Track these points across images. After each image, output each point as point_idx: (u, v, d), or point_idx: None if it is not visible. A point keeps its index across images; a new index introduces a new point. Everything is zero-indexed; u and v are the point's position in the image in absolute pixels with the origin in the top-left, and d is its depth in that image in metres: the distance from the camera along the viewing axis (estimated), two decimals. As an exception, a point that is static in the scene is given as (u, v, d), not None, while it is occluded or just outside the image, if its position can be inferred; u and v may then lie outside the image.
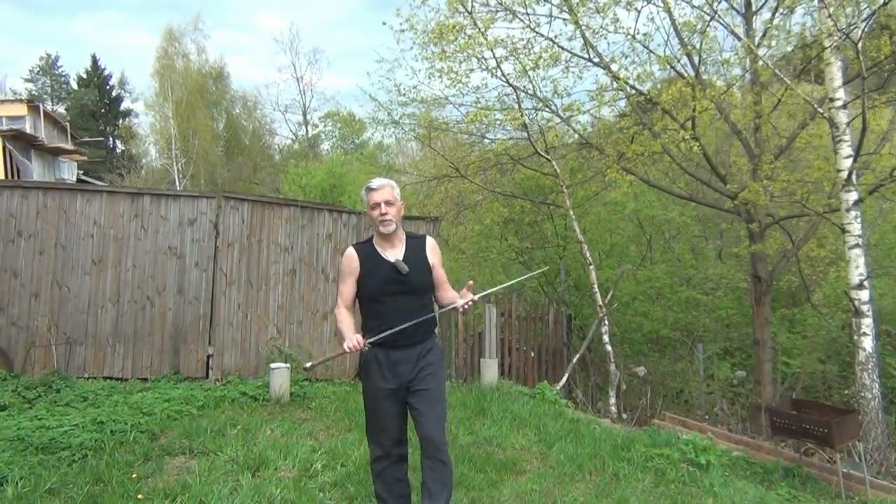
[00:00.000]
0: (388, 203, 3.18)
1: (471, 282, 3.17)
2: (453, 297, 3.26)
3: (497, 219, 10.50)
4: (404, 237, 3.31)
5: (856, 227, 6.20)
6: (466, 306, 3.15)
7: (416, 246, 3.30)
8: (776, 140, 8.38)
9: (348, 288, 3.27)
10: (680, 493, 4.17)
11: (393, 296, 3.18)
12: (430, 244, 3.35)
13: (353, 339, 3.03)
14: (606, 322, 8.74)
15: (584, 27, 7.83)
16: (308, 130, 37.37)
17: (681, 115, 7.80)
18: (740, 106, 8.59)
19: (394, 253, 3.23)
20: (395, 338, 3.10)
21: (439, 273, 3.33)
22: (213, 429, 4.97)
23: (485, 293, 3.73)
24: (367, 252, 3.25)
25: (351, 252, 3.27)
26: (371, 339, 3.08)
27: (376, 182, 3.24)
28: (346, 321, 3.21)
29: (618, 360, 8.89)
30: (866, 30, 6.45)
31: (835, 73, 6.25)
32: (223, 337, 7.24)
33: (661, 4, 7.71)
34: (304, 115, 36.82)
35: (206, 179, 30.63)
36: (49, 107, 31.17)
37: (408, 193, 13.05)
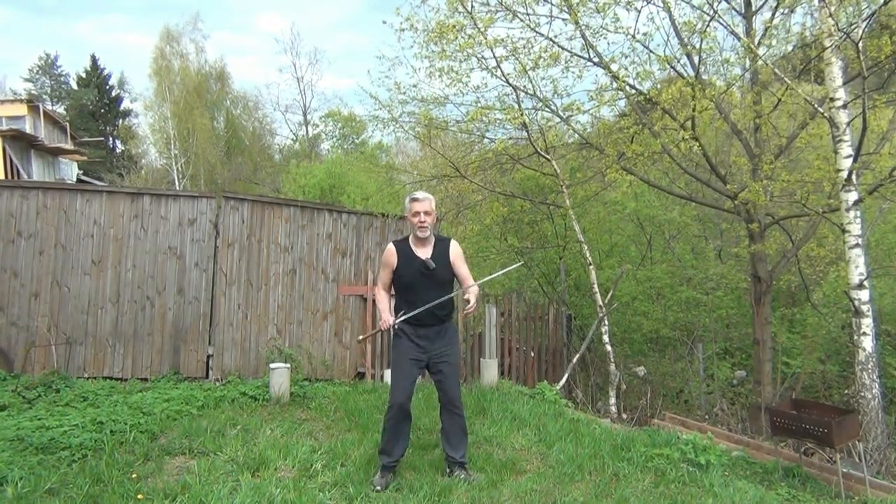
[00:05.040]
0: (426, 213, 4.00)
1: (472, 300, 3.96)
2: (471, 290, 4.02)
3: (497, 218, 10.49)
4: (433, 240, 4.12)
5: (856, 227, 6.19)
6: (470, 309, 3.92)
7: (442, 247, 4.11)
8: (776, 140, 8.37)
9: (386, 275, 4.15)
10: (680, 493, 4.17)
11: (420, 285, 4.00)
12: (454, 246, 4.15)
13: (386, 319, 3.96)
14: (606, 322, 8.74)
15: (583, 27, 7.82)
16: (308, 130, 37.35)
17: (681, 115, 7.79)
18: (740, 106, 8.57)
19: (424, 252, 4.04)
20: (419, 318, 3.97)
21: (460, 270, 4.13)
22: (213, 429, 4.97)
23: (478, 282, 4.37)
24: (403, 249, 4.06)
25: (391, 248, 4.10)
26: (399, 319, 3.99)
27: (420, 195, 4.07)
28: (384, 301, 4.12)
29: (618, 360, 8.88)
30: (867, 29, 6.44)
31: (835, 72, 6.24)
32: (223, 337, 7.24)
33: (661, 4, 7.70)
34: (305, 115, 36.80)
35: (206, 179, 30.64)
36: (49, 107, 31.15)
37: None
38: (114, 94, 44.24)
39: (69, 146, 23.99)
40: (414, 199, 4.06)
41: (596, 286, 8.76)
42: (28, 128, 21.64)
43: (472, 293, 3.96)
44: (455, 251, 4.13)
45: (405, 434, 4.13)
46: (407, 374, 4.05)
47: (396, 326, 4.02)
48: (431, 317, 4.02)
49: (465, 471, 4.15)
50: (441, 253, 4.08)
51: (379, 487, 3.92)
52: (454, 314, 4.25)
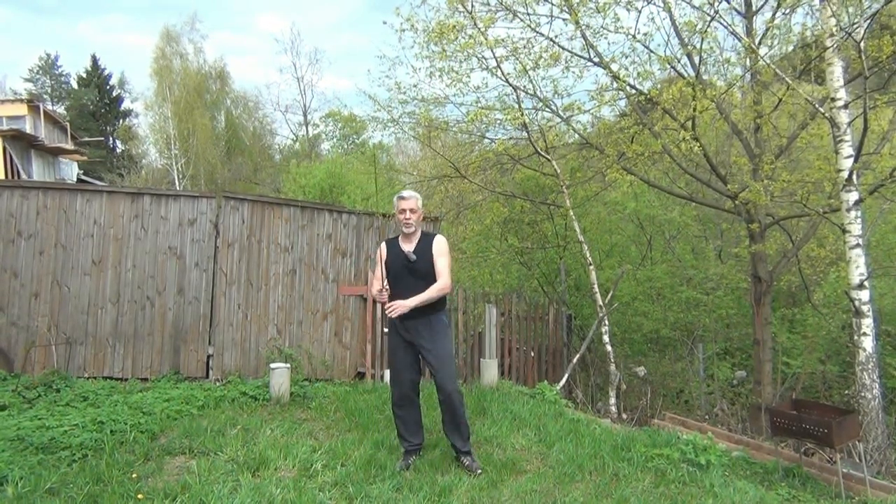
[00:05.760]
0: (411, 211, 4.27)
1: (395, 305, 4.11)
2: (397, 303, 4.13)
3: (497, 219, 10.49)
4: (419, 235, 4.36)
5: (856, 228, 6.19)
6: (390, 309, 4.09)
7: (426, 242, 4.33)
8: (777, 140, 8.37)
9: (378, 271, 4.34)
10: (680, 493, 4.17)
11: (404, 278, 4.23)
12: (437, 241, 4.34)
13: (383, 295, 4.19)
14: (606, 322, 8.74)
15: (584, 27, 7.82)
16: (308, 130, 37.36)
17: (681, 115, 7.79)
18: (740, 106, 8.58)
19: (409, 247, 4.30)
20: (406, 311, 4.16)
21: (437, 263, 4.27)
22: (213, 429, 4.97)
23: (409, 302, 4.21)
24: (392, 245, 4.38)
25: (383, 245, 4.43)
26: (384, 285, 4.18)
27: (406, 193, 4.34)
28: (377, 284, 4.29)
29: (618, 360, 8.87)
30: (868, 29, 6.43)
31: (836, 73, 6.23)
32: (223, 337, 7.24)
33: (662, 4, 7.70)
34: (305, 115, 36.81)
35: (206, 179, 30.63)
36: (49, 107, 31.15)
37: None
38: (114, 94, 44.27)
39: (69, 146, 23.99)
40: (400, 198, 4.33)
41: (596, 286, 8.76)
42: (28, 128, 21.65)
43: (398, 304, 4.07)
44: (437, 246, 4.31)
45: (416, 422, 4.45)
46: (401, 365, 4.35)
47: (388, 292, 4.18)
48: (415, 309, 4.18)
49: (469, 457, 4.38)
50: (424, 247, 4.29)
51: (399, 468, 4.22)
52: (443, 308, 4.43)
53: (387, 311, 4.14)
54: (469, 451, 4.41)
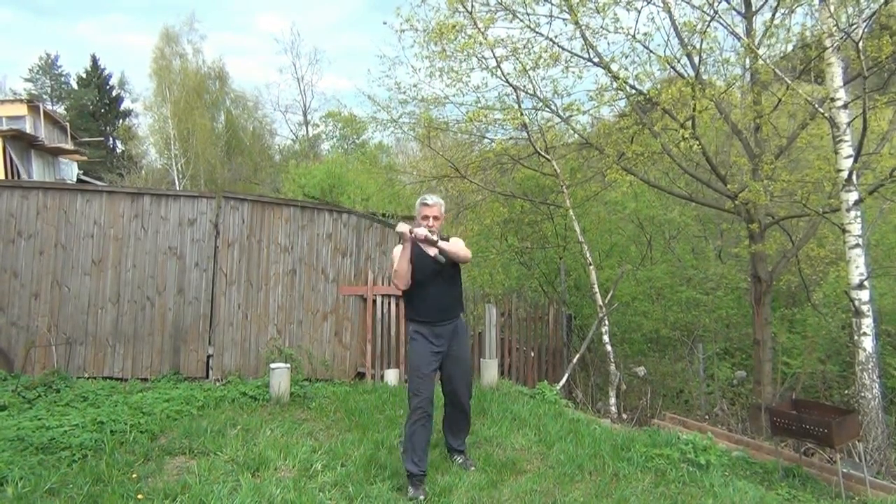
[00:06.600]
0: (435, 218, 4.21)
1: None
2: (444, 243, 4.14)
3: (497, 219, 10.49)
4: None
5: (856, 227, 6.18)
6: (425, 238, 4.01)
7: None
8: (776, 140, 8.37)
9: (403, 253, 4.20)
10: (680, 493, 4.17)
11: (433, 280, 4.20)
12: (454, 238, 4.33)
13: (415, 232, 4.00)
14: (606, 322, 8.73)
15: (584, 27, 7.81)
16: (308, 130, 37.36)
17: (681, 115, 7.79)
18: (740, 106, 8.57)
19: (432, 251, 4.16)
20: (433, 318, 4.19)
21: (453, 242, 4.22)
22: (213, 429, 4.97)
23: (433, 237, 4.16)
24: (416, 248, 4.18)
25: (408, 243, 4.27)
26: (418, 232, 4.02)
27: (430, 200, 4.24)
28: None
29: (618, 360, 8.87)
30: (867, 30, 6.43)
31: (836, 73, 6.23)
32: (223, 337, 7.24)
33: (661, 4, 7.70)
34: (305, 115, 36.82)
35: (206, 179, 30.62)
36: (49, 107, 31.14)
37: (408, 194, 13.06)
38: (114, 94, 44.25)
39: (69, 146, 24.00)
40: (424, 204, 4.23)
41: (596, 286, 8.75)
42: (28, 128, 21.65)
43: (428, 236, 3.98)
44: (453, 239, 4.29)
45: (428, 441, 4.09)
46: (427, 376, 4.12)
47: (420, 235, 4.00)
48: (442, 312, 4.20)
49: (463, 455, 4.49)
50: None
51: (423, 496, 3.88)
52: (462, 311, 4.44)
53: (426, 234, 3.99)
54: (464, 449, 4.53)
